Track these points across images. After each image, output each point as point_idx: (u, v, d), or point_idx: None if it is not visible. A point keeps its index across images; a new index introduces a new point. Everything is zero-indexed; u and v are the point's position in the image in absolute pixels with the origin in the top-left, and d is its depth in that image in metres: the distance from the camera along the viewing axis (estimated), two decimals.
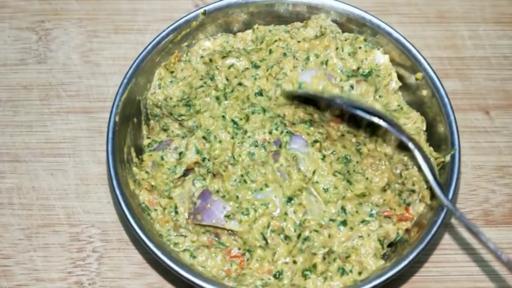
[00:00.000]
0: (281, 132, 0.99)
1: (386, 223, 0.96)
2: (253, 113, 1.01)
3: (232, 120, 1.01)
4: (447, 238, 1.06)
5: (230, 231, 0.96)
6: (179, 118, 1.02)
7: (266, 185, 0.97)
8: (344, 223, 0.95)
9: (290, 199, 0.96)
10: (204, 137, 1.00)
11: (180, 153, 1.00)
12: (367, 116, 0.95)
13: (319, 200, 0.97)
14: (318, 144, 0.98)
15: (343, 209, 0.96)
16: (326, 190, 0.97)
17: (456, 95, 1.16)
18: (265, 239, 0.95)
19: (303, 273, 0.93)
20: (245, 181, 0.98)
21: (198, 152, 1.00)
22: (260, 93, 1.04)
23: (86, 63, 1.18)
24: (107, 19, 1.21)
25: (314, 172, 0.98)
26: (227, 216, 0.96)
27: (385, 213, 0.97)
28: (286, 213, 0.96)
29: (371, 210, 0.96)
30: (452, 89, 1.16)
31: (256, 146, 0.99)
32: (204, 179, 0.99)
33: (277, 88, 1.05)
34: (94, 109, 1.14)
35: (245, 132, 1.00)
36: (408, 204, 0.98)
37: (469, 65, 1.18)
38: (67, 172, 1.10)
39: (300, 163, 0.98)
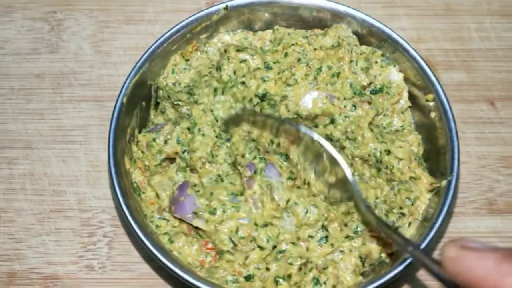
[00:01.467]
0: (254, 158, 0.97)
1: (370, 242, 0.95)
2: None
3: (216, 119, 1.01)
4: (452, 227, 1.08)
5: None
6: (175, 103, 1.03)
7: (242, 193, 0.96)
8: (325, 238, 0.94)
9: (264, 225, 0.95)
10: (188, 128, 1.00)
11: (166, 141, 1.01)
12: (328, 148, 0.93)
13: (294, 221, 0.96)
14: (291, 182, 0.97)
15: (324, 227, 0.95)
16: (306, 212, 0.95)
17: (462, 86, 1.17)
18: (233, 243, 0.95)
19: (275, 279, 0.93)
20: (222, 180, 0.97)
21: (178, 142, 1.00)
22: (264, 96, 1.03)
23: (97, 53, 1.20)
24: (118, 10, 1.23)
25: (288, 201, 0.96)
26: (195, 213, 0.96)
27: (370, 233, 0.95)
28: (256, 224, 0.95)
29: (357, 227, 0.95)
30: (458, 81, 1.17)
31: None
32: (185, 171, 1.00)
33: (283, 100, 1.02)
34: (105, 97, 1.15)
35: (228, 139, 1.00)
36: (396, 229, 0.96)
37: (475, 57, 1.20)
38: (79, 159, 1.12)
39: (274, 191, 0.96)
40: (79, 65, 1.19)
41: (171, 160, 1.02)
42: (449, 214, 1.08)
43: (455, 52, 1.20)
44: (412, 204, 0.98)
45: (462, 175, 1.10)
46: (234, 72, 1.04)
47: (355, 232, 0.95)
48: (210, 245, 0.96)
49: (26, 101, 1.16)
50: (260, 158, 0.97)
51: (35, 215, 1.08)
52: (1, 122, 1.14)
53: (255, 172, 0.96)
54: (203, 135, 0.99)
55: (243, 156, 0.97)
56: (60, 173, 1.11)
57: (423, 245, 0.92)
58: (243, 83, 1.03)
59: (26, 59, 1.19)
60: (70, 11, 1.23)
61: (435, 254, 1.05)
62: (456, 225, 1.07)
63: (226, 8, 1.07)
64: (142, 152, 1.02)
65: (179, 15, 1.22)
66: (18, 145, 1.13)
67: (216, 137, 1.00)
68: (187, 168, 1.00)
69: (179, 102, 1.03)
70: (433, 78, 1.02)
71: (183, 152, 1.00)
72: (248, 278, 0.94)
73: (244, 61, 1.04)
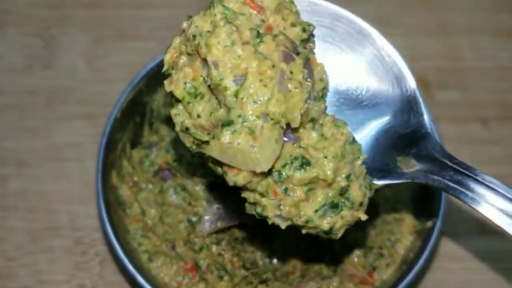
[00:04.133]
0: None
1: (347, 281, 0.95)
2: None
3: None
4: (441, 246, 1.08)
5: (186, 242, 0.98)
6: (167, 117, 1.03)
7: None
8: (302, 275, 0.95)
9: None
10: (175, 139, 1.00)
11: (157, 154, 1.01)
12: None
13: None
14: None
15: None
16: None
17: (456, 106, 1.17)
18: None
19: None
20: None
21: (168, 152, 1.00)
22: None
23: (91, 69, 1.19)
24: (112, 27, 1.23)
25: None
26: None
27: (348, 272, 0.96)
28: (222, 254, 0.97)
29: (335, 267, 0.96)
30: (451, 100, 1.18)
31: None
32: (183, 190, 0.99)
33: None
34: (98, 115, 1.15)
35: None
36: (374, 269, 0.97)
37: (469, 76, 1.20)
38: (71, 176, 1.11)
39: None
40: (73, 81, 1.18)
41: (164, 173, 1.01)
42: (441, 234, 1.08)
43: (449, 71, 1.20)
44: (392, 246, 0.98)
45: None
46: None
47: (334, 271, 0.96)
48: (188, 266, 0.97)
49: (19, 118, 1.16)
50: None
51: (28, 233, 1.08)
52: None
53: None
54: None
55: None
56: (53, 191, 1.11)
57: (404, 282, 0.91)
58: None
59: (20, 75, 1.19)
60: (64, 27, 1.23)
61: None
62: (448, 245, 1.08)
63: None
64: (133, 167, 1.02)
65: (173, 31, 1.20)
66: (11, 163, 1.12)
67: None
68: (183, 190, 1.00)
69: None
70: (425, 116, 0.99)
71: (173, 161, 0.99)
72: None
73: None
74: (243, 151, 0.68)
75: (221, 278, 0.95)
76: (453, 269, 1.06)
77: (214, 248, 0.96)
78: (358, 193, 0.74)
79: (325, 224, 0.73)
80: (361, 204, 0.74)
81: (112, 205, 0.97)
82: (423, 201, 0.99)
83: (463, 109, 1.17)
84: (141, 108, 1.04)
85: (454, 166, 0.75)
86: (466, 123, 1.16)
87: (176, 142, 1.00)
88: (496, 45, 1.22)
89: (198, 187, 0.98)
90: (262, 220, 0.96)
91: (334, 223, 0.73)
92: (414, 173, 0.77)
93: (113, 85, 1.18)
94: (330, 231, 0.73)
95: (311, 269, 0.96)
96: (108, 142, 0.98)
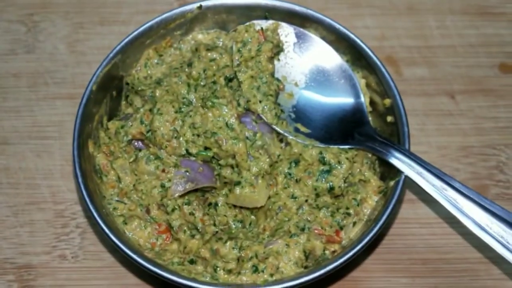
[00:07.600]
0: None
1: (315, 239, 0.98)
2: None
3: (184, 97, 1.05)
4: (410, 213, 1.12)
5: (160, 206, 1.02)
6: (139, 89, 1.07)
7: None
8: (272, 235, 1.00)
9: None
10: (150, 109, 1.04)
11: (131, 125, 1.04)
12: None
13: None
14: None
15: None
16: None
17: (424, 81, 1.22)
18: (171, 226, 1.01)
19: (214, 266, 0.97)
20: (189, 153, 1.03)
21: (142, 122, 1.04)
22: (230, 80, 1.07)
23: (72, 53, 1.24)
24: (93, 12, 1.28)
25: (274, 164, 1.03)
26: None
27: (316, 231, 0.99)
28: (193, 213, 1.00)
29: (304, 225, 0.99)
30: (420, 76, 1.22)
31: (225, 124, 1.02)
32: (156, 159, 1.02)
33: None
34: (79, 95, 1.16)
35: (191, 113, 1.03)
36: (341, 228, 1.00)
37: (436, 53, 1.24)
38: (53, 153, 1.16)
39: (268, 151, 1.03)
40: (54, 64, 1.23)
41: (138, 143, 1.04)
42: (410, 201, 1.12)
43: (417, 49, 1.25)
44: (358, 205, 1.01)
45: None
46: (204, 71, 1.07)
47: (302, 229, 0.99)
48: (162, 228, 1.01)
49: (2, 99, 1.20)
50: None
51: (10, 208, 1.11)
52: None
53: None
54: (160, 114, 1.02)
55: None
56: (35, 167, 1.14)
57: (362, 243, 0.95)
58: (214, 82, 1.07)
59: (3, 59, 1.23)
60: (46, 13, 1.27)
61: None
62: (417, 211, 1.11)
63: (200, 7, 1.11)
64: (109, 138, 1.06)
65: (152, 16, 1.25)
66: None
67: (176, 112, 1.03)
68: (156, 159, 1.03)
69: (143, 88, 1.07)
70: (392, 84, 1.05)
71: (147, 132, 1.03)
72: (191, 262, 0.98)
73: (213, 60, 1.08)
74: (249, 196, 1.01)
75: (192, 236, 0.99)
76: (422, 234, 1.10)
77: (185, 208, 1.00)
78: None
79: None
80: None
81: (88, 173, 1.01)
82: (387, 163, 1.03)
83: (430, 84, 1.22)
84: (117, 82, 1.09)
85: (381, 139, 1.02)
86: (434, 97, 1.20)
87: (151, 114, 1.04)
88: (463, 23, 1.27)
89: (171, 156, 1.02)
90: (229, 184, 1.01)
91: None
92: (358, 142, 1.04)
93: (93, 67, 1.20)
94: None
95: (281, 229, 0.99)
96: (84, 113, 1.02)
